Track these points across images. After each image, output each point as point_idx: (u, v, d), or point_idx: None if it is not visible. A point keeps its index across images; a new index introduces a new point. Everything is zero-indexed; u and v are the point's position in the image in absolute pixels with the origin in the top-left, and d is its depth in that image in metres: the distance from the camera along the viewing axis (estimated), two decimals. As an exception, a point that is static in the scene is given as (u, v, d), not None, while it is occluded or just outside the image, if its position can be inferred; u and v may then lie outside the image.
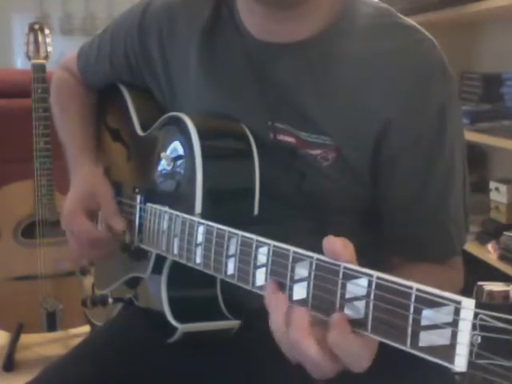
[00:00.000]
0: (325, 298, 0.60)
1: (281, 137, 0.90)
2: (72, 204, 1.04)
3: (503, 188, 2.27)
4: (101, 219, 1.06)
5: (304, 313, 0.61)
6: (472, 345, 0.47)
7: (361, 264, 0.59)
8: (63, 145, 1.17)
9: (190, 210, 0.84)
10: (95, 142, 1.17)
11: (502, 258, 2.11)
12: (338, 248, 0.59)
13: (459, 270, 0.96)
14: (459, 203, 0.92)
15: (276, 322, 0.64)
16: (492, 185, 2.33)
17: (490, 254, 2.16)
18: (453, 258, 0.94)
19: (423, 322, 0.50)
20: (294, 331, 0.61)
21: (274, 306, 0.64)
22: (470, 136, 2.15)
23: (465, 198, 0.92)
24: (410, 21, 0.89)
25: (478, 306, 0.47)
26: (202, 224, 0.79)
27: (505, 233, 2.13)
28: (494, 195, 2.31)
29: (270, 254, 0.66)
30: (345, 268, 0.58)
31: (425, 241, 0.91)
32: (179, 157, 0.90)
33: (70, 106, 1.20)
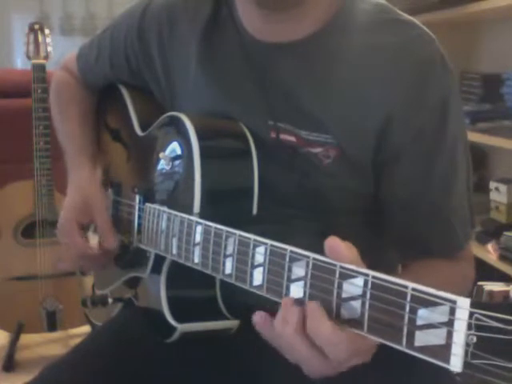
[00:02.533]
0: (321, 298, 0.60)
1: (282, 136, 0.90)
2: (66, 216, 1.05)
3: (503, 188, 2.27)
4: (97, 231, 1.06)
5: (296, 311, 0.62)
6: (467, 344, 0.47)
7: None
8: (62, 147, 1.17)
9: (188, 209, 0.84)
10: (94, 145, 1.18)
11: (502, 258, 2.11)
12: (342, 249, 0.60)
13: (469, 260, 0.95)
14: (463, 198, 0.91)
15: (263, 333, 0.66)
16: (492, 185, 2.33)
17: (490, 253, 2.16)
18: (458, 253, 0.93)
19: (419, 322, 0.51)
20: (286, 330, 0.63)
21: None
22: (470, 136, 2.12)
23: (469, 192, 0.92)
24: (409, 16, 0.89)
25: (473, 305, 0.47)
26: (200, 224, 0.79)
27: (505, 233, 2.13)
28: (493, 195, 2.31)
29: (268, 253, 0.66)
30: (341, 267, 0.58)
31: (428, 237, 0.91)
32: (178, 157, 0.90)
33: (70, 108, 1.20)
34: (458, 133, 0.90)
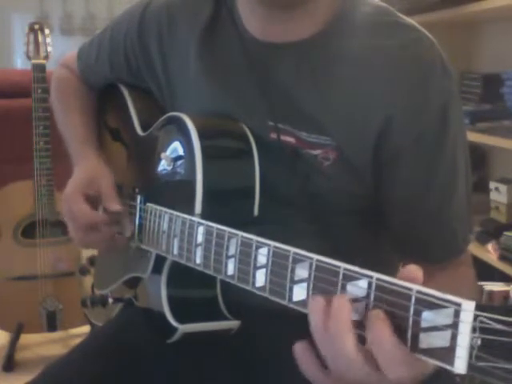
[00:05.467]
0: (325, 299, 0.60)
1: (282, 137, 0.90)
2: (72, 188, 1.05)
3: (503, 188, 2.27)
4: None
5: (346, 301, 0.57)
6: (472, 347, 0.47)
7: (361, 265, 0.59)
8: (65, 139, 1.17)
9: (189, 210, 0.84)
10: (97, 134, 1.17)
11: (502, 258, 2.11)
12: (420, 275, 0.55)
13: (468, 263, 0.94)
14: (463, 202, 0.91)
15: (314, 319, 0.60)
16: (492, 185, 2.33)
17: (490, 253, 2.16)
18: (457, 257, 0.93)
19: (423, 324, 0.50)
20: (334, 323, 0.57)
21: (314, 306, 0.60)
22: (470, 136, 2.15)
23: (468, 196, 0.92)
24: (409, 19, 0.89)
25: (478, 307, 0.47)
26: (202, 224, 0.79)
27: (505, 233, 2.13)
28: (493, 195, 2.31)
29: (270, 254, 0.66)
30: (345, 269, 0.58)
31: (428, 241, 0.90)
32: (179, 157, 0.90)
33: (71, 101, 1.19)
34: (458, 135, 0.89)
